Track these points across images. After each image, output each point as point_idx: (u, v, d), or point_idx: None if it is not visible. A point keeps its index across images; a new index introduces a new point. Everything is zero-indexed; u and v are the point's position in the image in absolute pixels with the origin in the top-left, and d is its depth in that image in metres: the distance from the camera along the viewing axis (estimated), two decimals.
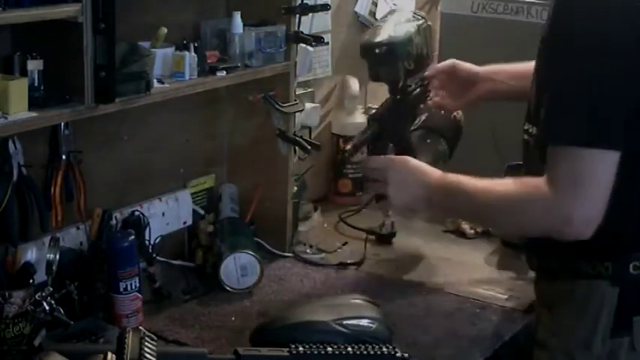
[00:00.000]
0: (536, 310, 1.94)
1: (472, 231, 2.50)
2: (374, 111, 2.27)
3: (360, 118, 2.80)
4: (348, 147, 2.16)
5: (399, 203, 1.95)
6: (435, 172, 1.92)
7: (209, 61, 2.13)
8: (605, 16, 1.58)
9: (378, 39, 2.13)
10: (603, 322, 1.69)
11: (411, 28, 2.17)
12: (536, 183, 1.65)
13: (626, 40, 1.57)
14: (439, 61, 3.12)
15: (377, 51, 2.11)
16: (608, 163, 1.57)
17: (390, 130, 2.14)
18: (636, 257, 1.67)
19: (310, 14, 2.45)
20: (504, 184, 1.75)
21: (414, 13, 2.27)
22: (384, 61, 2.13)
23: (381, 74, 2.17)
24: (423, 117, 2.36)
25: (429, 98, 2.27)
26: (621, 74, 1.57)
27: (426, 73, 2.28)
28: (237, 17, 2.19)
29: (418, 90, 2.23)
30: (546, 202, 1.61)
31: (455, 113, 2.37)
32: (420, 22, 2.22)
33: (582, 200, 1.57)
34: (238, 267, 2.17)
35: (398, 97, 2.17)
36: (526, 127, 1.80)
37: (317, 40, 2.34)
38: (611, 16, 1.58)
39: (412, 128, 2.29)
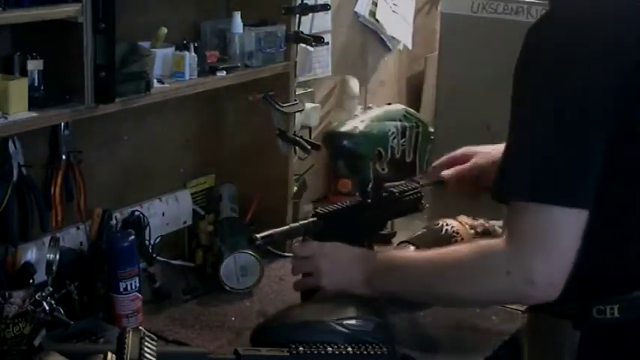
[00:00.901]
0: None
1: (472, 231, 2.49)
2: (327, 208, 2.04)
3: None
4: (262, 234, 1.94)
5: (336, 291, 1.84)
6: (370, 252, 1.83)
7: (209, 61, 2.13)
8: (577, 65, 1.45)
9: (344, 128, 1.92)
10: None
11: (390, 127, 1.97)
12: (493, 243, 1.55)
13: (599, 89, 1.44)
14: (439, 61, 3.15)
15: (337, 141, 1.91)
16: (574, 223, 1.44)
17: (339, 232, 1.94)
18: (600, 301, 1.54)
19: (310, 14, 2.45)
20: (455, 250, 1.64)
21: (407, 114, 2.04)
22: (344, 154, 1.92)
23: (339, 167, 1.96)
24: (419, 232, 2.26)
25: (421, 208, 2.12)
26: (593, 126, 1.45)
27: (443, 172, 2.04)
28: (237, 17, 2.19)
29: (407, 199, 2.08)
30: (505, 261, 1.49)
31: (454, 230, 2.24)
32: (410, 124, 2.00)
33: (545, 259, 1.45)
34: (238, 267, 2.17)
35: (368, 200, 1.99)
36: None
37: (317, 40, 2.34)
38: (582, 65, 1.45)
39: (402, 241, 2.20)
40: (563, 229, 1.45)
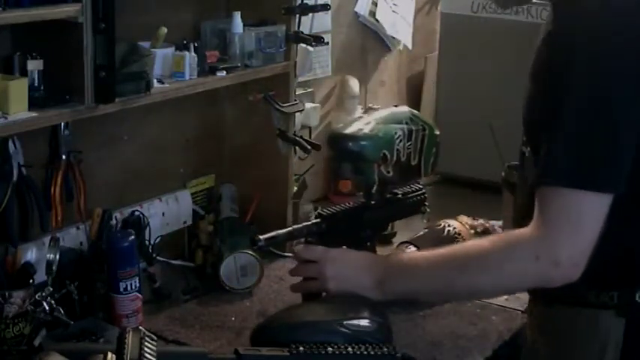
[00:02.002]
0: (529, 334, 1.83)
1: (472, 231, 2.50)
2: (330, 209, 2.02)
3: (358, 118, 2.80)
4: (264, 236, 1.91)
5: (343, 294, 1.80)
6: (378, 256, 1.82)
7: (209, 61, 2.13)
8: (608, 55, 1.49)
9: (349, 130, 1.91)
10: (610, 355, 1.60)
11: (396, 129, 1.96)
12: (519, 232, 1.58)
13: (630, 78, 1.49)
14: (439, 61, 3.15)
15: (342, 143, 1.90)
16: (598, 207, 1.50)
17: (342, 233, 1.95)
18: None
19: (310, 14, 2.45)
20: (474, 243, 1.66)
21: (414, 116, 2.04)
22: (349, 156, 1.92)
23: (344, 170, 1.98)
24: (421, 232, 2.28)
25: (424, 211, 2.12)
26: (624, 110, 1.49)
27: None
28: (237, 17, 2.19)
29: (410, 200, 2.08)
30: (535, 246, 1.53)
31: (457, 231, 2.26)
32: (417, 127, 2.00)
33: (571, 241, 1.51)
34: (238, 267, 2.17)
35: (372, 202, 1.99)
36: (523, 149, 1.73)
37: (317, 40, 2.34)
38: (614, 54, 1.49)
39: (404, 241, 2.21)
40: (589, 213, 1.50)
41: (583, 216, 1.50)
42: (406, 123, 2.00)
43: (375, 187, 1.97)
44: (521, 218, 1.70)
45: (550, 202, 1.53)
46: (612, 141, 1.50)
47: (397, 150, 1.95)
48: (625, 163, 1.50)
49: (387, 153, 1.94)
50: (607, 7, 1.51)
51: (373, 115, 2.00)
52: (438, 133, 2.08)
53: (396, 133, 1.95)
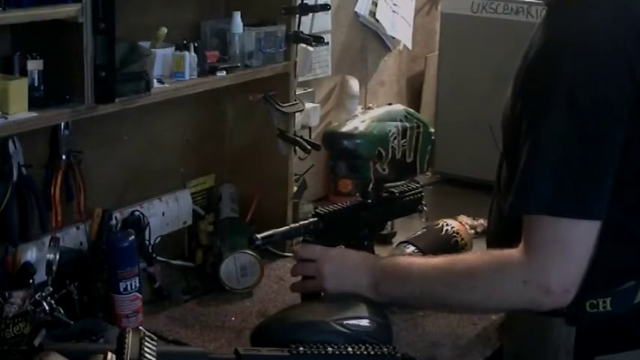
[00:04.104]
0: (504, 329, 1.87)
1: (472, 231, 2.50)
2: (327, 208, 2.01)
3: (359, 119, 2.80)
4: (262, 234, 1.88)
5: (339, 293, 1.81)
6: (376, 257, 1.83)
7: (209, 61, 2.13)
8: (592, 77, 1.48)
9: (344, 129, 1.93)
10: None
11: (391, 127, 1.98)
12: (508, 253, 1.56)
13: (614, 100, 1.48)
14: (439, 61, 3.15)
15: (337, 142, 1.91)
16: (588, 233, 1.49)
17: (340, 232, 1.95)
18: (593, 295, 1.57)
19: (310, 14, 2.45)
20: (465, 259, 1.67)
21: (408, 114, 2.04)
22: (344, 154, 1.93)
23: (339, 168, 1.98)
24: (419, 232, 2.28)
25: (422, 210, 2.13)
26: (607, 134, 1.49)
27: None
28: (237, 17, 2.19)
29: (407, 199, 2.09)
30: (521, 271, 1.52)
31: (455, 230, 2.27)
32: (411, 124, 2.00)
33: (562, 270, 1.49)
34: (238, 267, 2.17)
35: (368, 200, 2.00)
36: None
37: (317, 40, 2.34)
38: (600, 77, 1.48)
39: (402, 241, 2.22)
40: (579, 240, 1.49)
41: (573, 244, 1.49)
42: (400, 120, 2.01)
43: (370, 185, 1.96)
44: (497, 221, 1.72)
45: (537, 229, 1.51)
46: (595, 167, 1.49)
47: (392, 147, 1.96)
48: (608, 187, 1.49)
49: (381, 150, 1.95)
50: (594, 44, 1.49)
51: (368, 114, 2.01)
52: (432, 130, 2.09)
53: (390, 130, 1.97)
